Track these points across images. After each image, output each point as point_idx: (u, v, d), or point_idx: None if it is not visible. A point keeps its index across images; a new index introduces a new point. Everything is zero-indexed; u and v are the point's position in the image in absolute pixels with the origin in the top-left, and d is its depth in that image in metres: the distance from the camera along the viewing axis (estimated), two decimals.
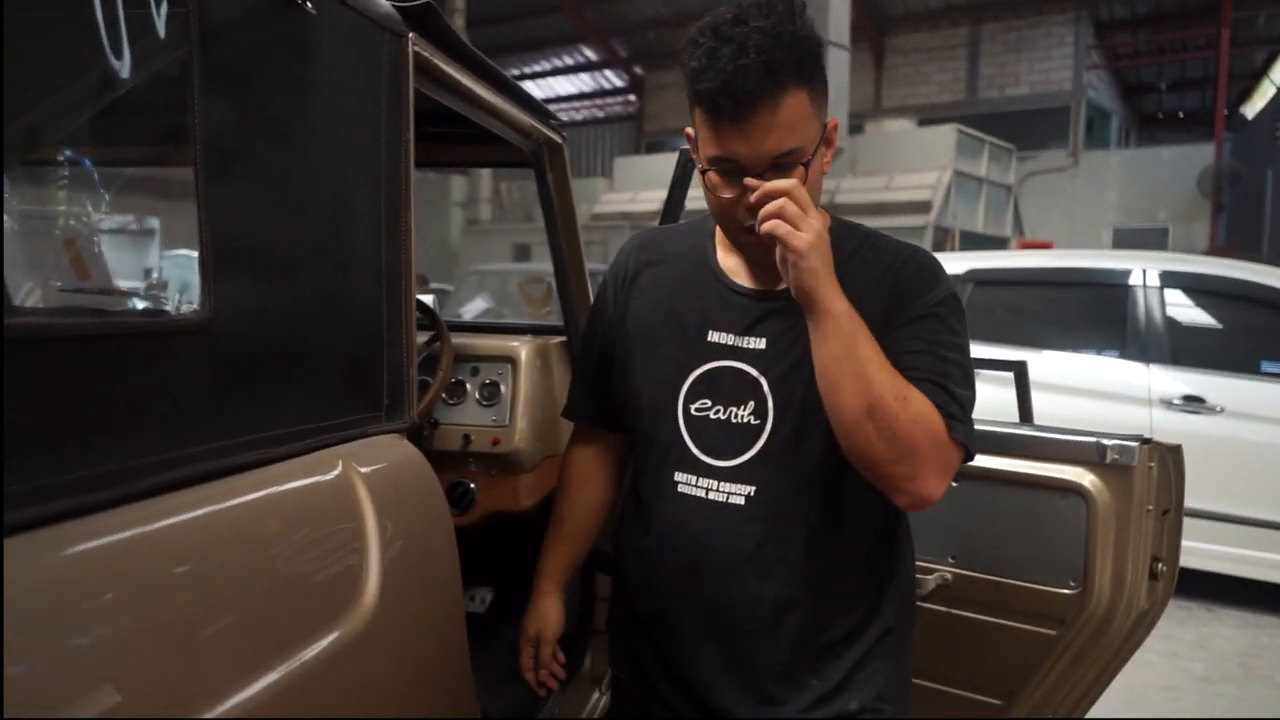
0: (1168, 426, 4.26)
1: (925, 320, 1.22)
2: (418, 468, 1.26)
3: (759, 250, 1.22)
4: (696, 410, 1.31)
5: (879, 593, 1.33)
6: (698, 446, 1.30)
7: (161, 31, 0.91)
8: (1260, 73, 19.82)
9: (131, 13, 0.87)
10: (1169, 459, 1.68)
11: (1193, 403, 4.29)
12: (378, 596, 1.05)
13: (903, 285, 1.25)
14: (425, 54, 1.39)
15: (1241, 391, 4.26)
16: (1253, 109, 19.26)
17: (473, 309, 10.26)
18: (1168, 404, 4.33)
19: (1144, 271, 4.65)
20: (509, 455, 2.18)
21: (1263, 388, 4.28)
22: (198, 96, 0.91)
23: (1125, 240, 16.40)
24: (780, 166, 1.18)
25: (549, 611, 1.54)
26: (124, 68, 0.84)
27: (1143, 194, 16.66)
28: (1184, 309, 4.66)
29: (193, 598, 0.84)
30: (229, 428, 0.96)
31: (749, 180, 1.16)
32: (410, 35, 1.31)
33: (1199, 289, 4.65)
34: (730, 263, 1.36)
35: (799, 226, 1.11)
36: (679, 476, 1.32)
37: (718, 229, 1.36)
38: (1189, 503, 4.13)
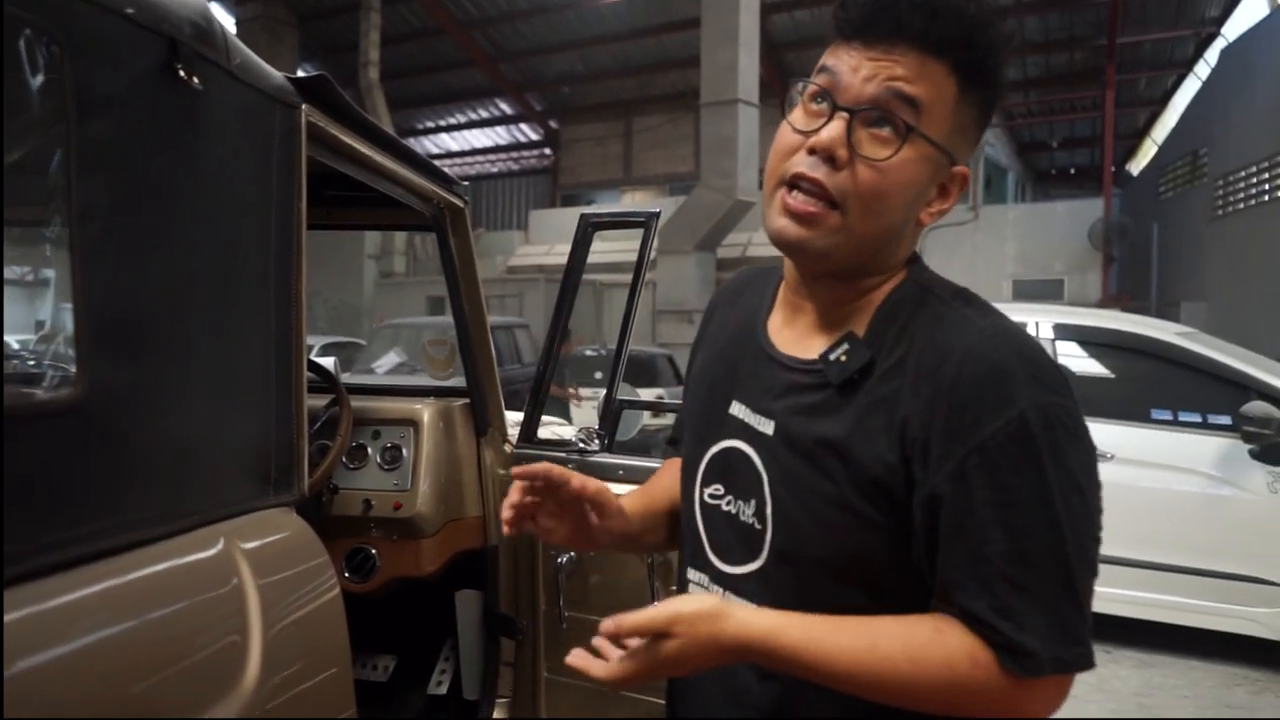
0: None
1: (994, 466, 0.86)
2: (305, 541, 1.24)
3: (785, 249, 0.98)
4: (710, 497, 1.07)
5: None
6: (709, 541, 1.07)
7: (35, 105, 0.90)
8: (1143, 132, 21.05)
9: (4, 86, 0.87)
10: None
11: None
12: (258, 676, 1.03)
13: (961, 399, 0.88)
14: (320, 124, 1.40)
15: (1132, 439, 4.43)
16: (1137, 166, 20.39)
17: (386, 363, 10.13)
18: None
19: (1037, 324, 4.84)
20: (411, 520, 2.15)
21: (1153, 435, 4.44)
22: (73, 171, 0.90)
23: (1024, 291, 17.06)
24: (875, 124, 0.92)
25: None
26: None
27: (1039, 247, 17.39)
28: (1077, 359, 4.85)
29: (62, 685, 0.82)
30: (103, 509, 0.94)
31: (604, 628, 0.89)
32: (303, 107, 1.32)
33: (1090, 341, 4.85)
34: (779, 317, 1.09)
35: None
36: (692, 574, 1.09)
37: (783, 282, 1.10)
38: None
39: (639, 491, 1.25)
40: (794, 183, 0.94)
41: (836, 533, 0.93)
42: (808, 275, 1.03)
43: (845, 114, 0.92)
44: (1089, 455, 0.91)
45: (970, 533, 0.86)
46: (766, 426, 1.00)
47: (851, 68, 0.93)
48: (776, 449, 0.99)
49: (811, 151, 0.93)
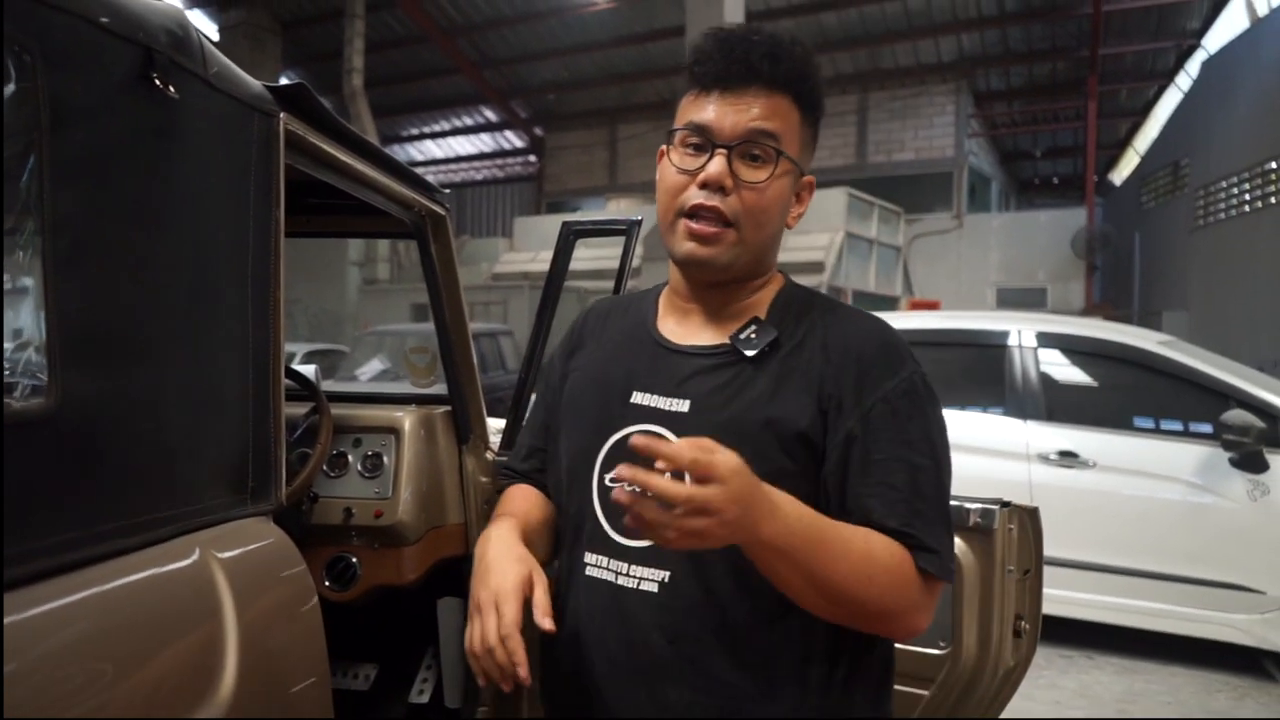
0: (1045, 481, 4.43)
1: (894, 414, 1.10)
2: (282, 550, 1.23)
3: (694, 267, 1.16)
4: (611, 481, 1.15)
5: (838, 692, 1.12)
6: (610, 523, 1.15)
7: (7, 115, 0.90)
8: (1125, 142, 21.22)
9: None
10: (1027, 521, 1.75)
11: (1068, 458, 4.47)
12: (234, 688, 1.02)
13: (865, 365, 1.12)
14: (298, 132, 1.39)
15: (1114, 446, 4.45)
16: (1119, 176, 20.54)
17: (369, 370, 10.09)
18: (1045, 459, 4.51)
19: (1020, 332, 4.87)
20: (392, 528, 2.14)
21: (1134, 442, 4.46)
22: (47, 181, 0.90)
23: (1008, 299, 17.16)
24: (751, 155, 1.13)
25: (515, 556, 1.11)
26: None
27: (1022, 255, 17.49)
28: (1059, 368, 4.87)
29: (34, 697, 0.81)
30: (78, 519, 0.93)
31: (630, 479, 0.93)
32: (282, 115, 1.32)
33: (1072, 349, 4.87)
34: (669, 321, 1.26)
35: (710, 511, 0.92)
36: (589, 557, 1.17)
37: (665, 289, 1.30)
38: (1067, 555, 4.30)
39: (515, 527, 1.19)
40: (693, 212, 1.14)
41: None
42: (704, 284, 1.21)
43: (724, 150, 1.12)
44: (941, 410, 1.18)
45: (879, 467, 1.08)
46: (680, 406, 1.15)
47: (719, 113, 1.13)
48: (695, 422, 1.12)
49: (703, 185, 1.12)
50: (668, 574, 1.10)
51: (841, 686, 1.12)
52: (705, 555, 1.06)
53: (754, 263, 1.19)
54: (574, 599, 1.18)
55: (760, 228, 1.15)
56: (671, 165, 1.17)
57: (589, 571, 1.16)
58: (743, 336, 1.16)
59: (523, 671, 1.02)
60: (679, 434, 1.10)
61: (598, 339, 1.32)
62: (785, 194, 1.16)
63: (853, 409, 1.10)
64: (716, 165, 1.11)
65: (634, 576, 1.12)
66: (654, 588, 1.11)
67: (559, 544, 1.25)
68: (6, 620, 0.81)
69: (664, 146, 1.20)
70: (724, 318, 1.21)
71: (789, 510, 0.99)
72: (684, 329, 1.23)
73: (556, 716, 1.23)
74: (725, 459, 0.93)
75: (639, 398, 1.18)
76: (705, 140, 1.13)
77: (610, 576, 1.14)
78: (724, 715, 1.09)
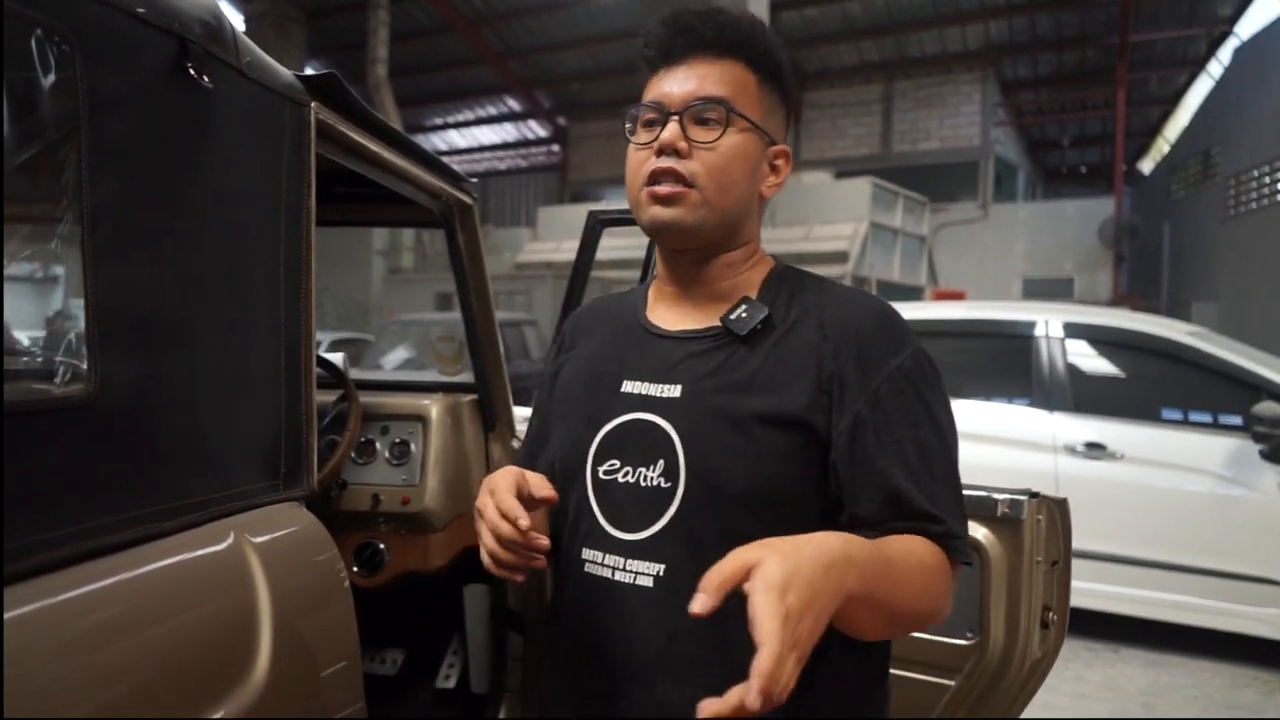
0: (1071, 472, 4.40)
1: (899, 392, 1.06)
2: (315, 536, 1.25)
3: (662, 231, 1.13)
4: (605, 473, 1.12)
5: (838, 689, 1.09)
6: (605, 516, 1.11)
7: (47, 104, 0.91)
8: (1154, 131, 20.95)
9: (16, 86, 0.88)
10: (1055, 512, 1.74)
11: (1095, 449, 4.44)
12: (268, 670, 1.04)
13: (866, 343, 1.08)
14: (329, 121, 1.40)
15: (1142, 438, 4.41)
16: (1148, 165, 20.28)
17: (394, 359, 10.15)
18: (1071, 450, 4.48)
19: (1046, 323, 4.83)
20: (419, 514, 2.16)
21: (1162, 434, 4.42)
22: (85, 170, 0.91)
23: (1034, 290, 17.02)
24: (702, 119, 1.11)
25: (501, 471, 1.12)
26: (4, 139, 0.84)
27: (1049, 245, 17.33)
28: (1086, 358, 4.83)
29: (72, 679, 0.82)
30: (115, 503, 0.95)
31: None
32: (313, 104, 1.33)
33: (1100, 339, 4.83)
34: (659, 309, 1.23)
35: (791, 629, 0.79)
36: (586, 553, 1.13)
37: (653, 283, 1.27)
38: (1093, 547, 4.28)
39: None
40: (653, 178, 1.12)
41: (757, 465, 1.05)
42: (685, 261, 1.18)
43: (675, 116, 1.11)
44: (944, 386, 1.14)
45: (891, 448, 1.04)
46: (672, 391, 1.12)
47: (668, 85, 1.13)
48: (687, 407, 1.10)
49: (660, 152, 1.11)
50: (662, 566, 1.06)
51: (840, 683, 1.08)
52: (702, 547, 1.01)
53: (724, 227, 1.14)
54: (572, 597, 1.15)
55: (723, 190, 1.11)
56: (632, 146, 1.16)
57: (587, 569, 1.12)
58: (733, 317, 1.13)
59: (536, 539, 1.01)
60: (671, 419, 1.09)
61: (588, 336, 1.30)
62: (747, 155, 1.13)
63: (859, 389, 1.06)
64: (670, 130, 1.10)
65: (630, 571, 1.08)
66: (649, 582, 1.06)
67: (554, 542, 1.17)
68: (45, 603, 0.82)
69: (628, 137, 1.18)
70: (713, 300, 1.18)
71: (854, 552, 0.89)
72: (674, 315, 1.20)
73: (556, 716, 1.18)
74: (760, 564, 0.81)
75: (630, 386, 1.16)
76: (659, 113, 1.13)
77: (607, 573, 1.09)
78: None
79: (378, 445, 2.24)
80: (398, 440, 2.23)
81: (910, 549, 1.00)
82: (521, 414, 2.48)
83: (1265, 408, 4.01)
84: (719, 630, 0.95)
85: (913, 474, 1.04)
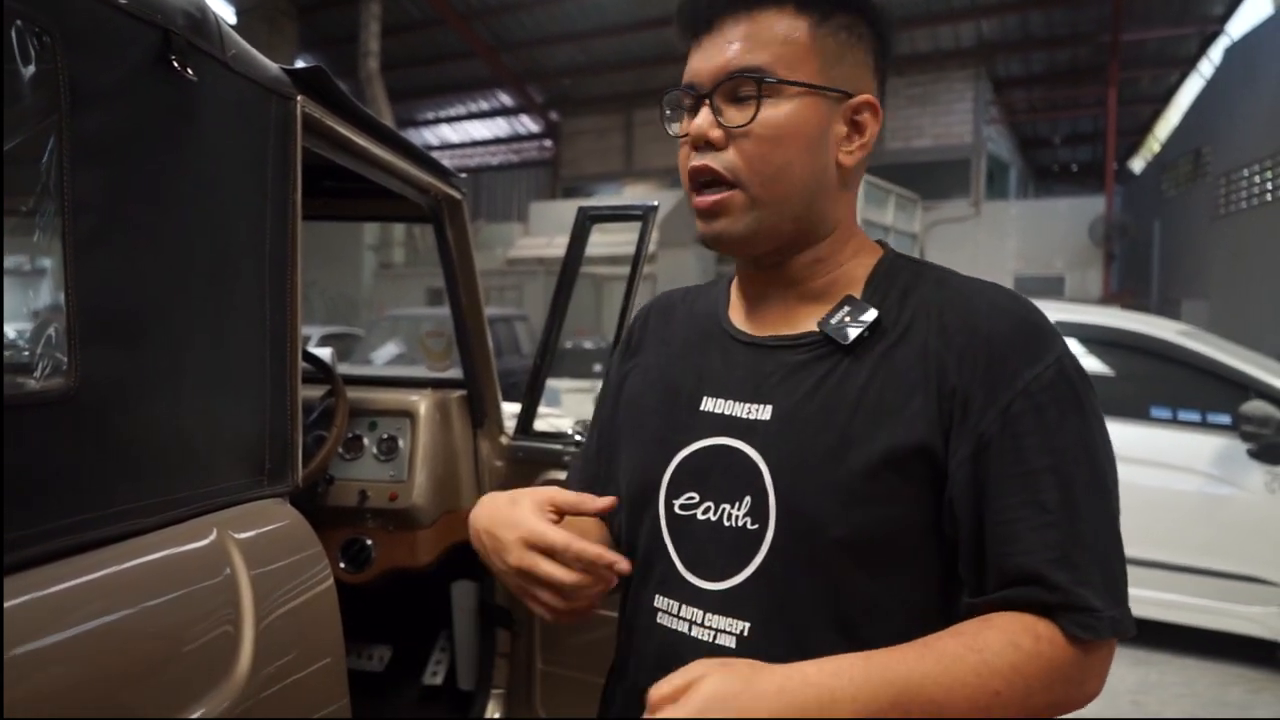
0: None
1: (1040, 412, 0.85)
2: (299, 532, 1.24)
3: (713, 248, 0.97)
4: (681, 507, 0.96)
5: None
6: (682, 559, 0.95)
7: (27, 96, 0.90)
8: (1145, 129, 21.02)
9: None
10: None
11: None
12: (250, 668, 1.03)
13: (998, 350, 0.88)
14: (315, 115, 1.40)
15: (1131, 436, 4.42)
16: (1139, 164, 20.35)
17: (384, 354, 10.13)
18: None
19: None
20: (407, 510, 2.15)
21: (1151, 433, 4.44)
22: (66, 163, 0.90)
23: (1026, 287, 17.00)
24: (738, 98, 0.92)
25: (508, 500, 0.99)
26: None
27: (1041, 243, 17.36)
28: (1076, 356, 4.83)
29: (52, 676, 0.82)
30: (95, 499, 0.94)
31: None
32: (299, 98, 1.32)
33: (1090, 338, 4.83)
34: (743, 309, 1.04)
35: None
36: (659, 601, 0.96)
37: (735, 277, 1.08)
38: None
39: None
40: (694, 182, 0.96)
41: (861, 506, 0.87)
42: (757, 263, 1.00)
43: (706, 99, 0.94)
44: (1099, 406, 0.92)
45: (1022, 482, 0.84)
46: (762, 413, 0.93)
47: (698, 61, 0.95)
48: (779, 433, 0.91)
49: (694, 147, 0.95)
50: (747, 625, 0.89)
51: None
52: (795, 603, 0.88)
53: (790, 222, 0.95)
54: (640, 649, 0.98)
55: (773, 180, 0.92)
56: (676, 138, 1.00)
57: (659, 619, 0.96)
58: (833, 321, 0.94)
59: (611, 558, 0.88)
60: (760, 448, 0.92)
61: (660, 337, 1.11)
62: (801, 128, 0.92)
63: (985, 407, 0.86)
64: (700, 118, 0.94)
65: (709, 628, 0.91)
66: (731, 642, 0.90)
67: (623, 583, 1.00)
68: (24, 599, 0.81)
69: (668, 131, 1.03)
70: (807, 300, 0.99)
71: (846, 688, 0.77)
72: (761, 317, 1.01)
73: None
74: (697, 684, 0.75)
75: (710, 404, 0.98)
76: (692, 96, 0.96)
77: (684, 626, 0.93)
78: None
79: (365, 441, 2.23)
80: (385, 436, 2.22)
81: (968, 647, 0.80)
82: (511, 410, 2.48)
83: (1253, 407, 4.03)
84: None
85: (1042, 518, 0.83)
